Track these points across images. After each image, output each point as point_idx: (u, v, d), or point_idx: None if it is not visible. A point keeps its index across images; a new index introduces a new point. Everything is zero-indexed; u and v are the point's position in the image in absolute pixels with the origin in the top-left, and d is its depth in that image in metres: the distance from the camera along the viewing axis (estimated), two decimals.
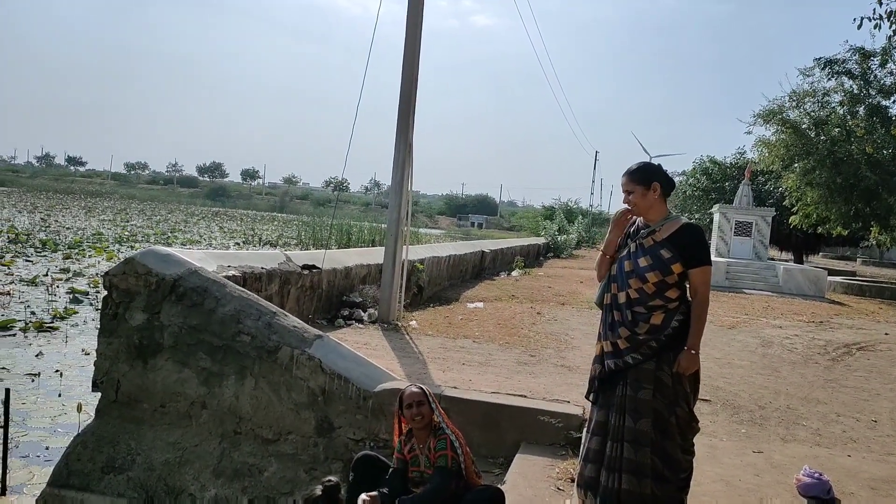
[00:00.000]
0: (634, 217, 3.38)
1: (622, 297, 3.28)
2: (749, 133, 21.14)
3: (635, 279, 3.23)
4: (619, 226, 3.37)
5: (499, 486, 3.72)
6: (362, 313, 8.29)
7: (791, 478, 4.02)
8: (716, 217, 22.53)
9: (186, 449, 5.10)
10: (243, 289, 5.49)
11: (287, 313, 5.44)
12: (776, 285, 18.78)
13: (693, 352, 3.17)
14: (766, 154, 21.41)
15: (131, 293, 5.28)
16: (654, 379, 3.18)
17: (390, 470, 3.69)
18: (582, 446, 3.37)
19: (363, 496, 3.43)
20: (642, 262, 3.22)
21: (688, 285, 3.26)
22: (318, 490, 3.10)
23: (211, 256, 6.12)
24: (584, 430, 3.39)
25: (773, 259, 25.45)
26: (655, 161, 3.73)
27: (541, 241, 30.20)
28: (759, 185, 29.27)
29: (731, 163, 33.47)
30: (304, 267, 7.62)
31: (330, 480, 3.15)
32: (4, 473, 5.12)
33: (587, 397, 3.46)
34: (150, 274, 5.27)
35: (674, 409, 3.18)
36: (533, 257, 25.34)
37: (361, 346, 6.41)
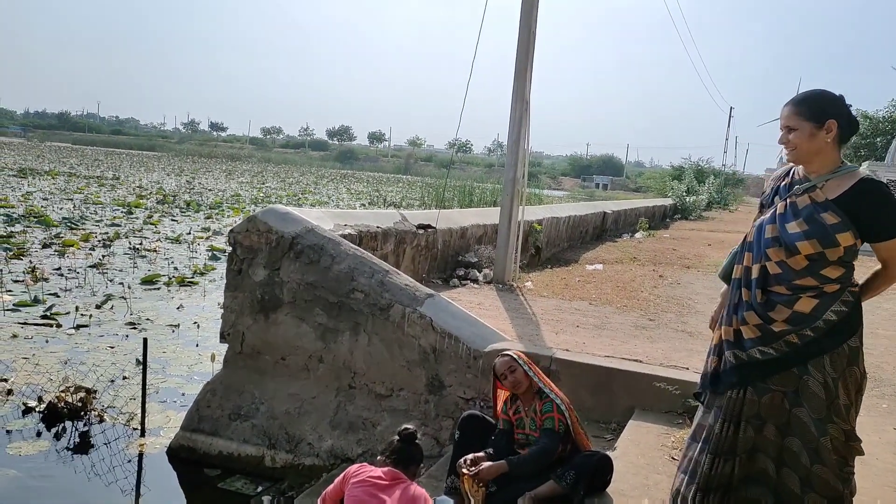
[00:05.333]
0: (790, 164, 2.60)
1: (755, 271, 2.50)
2: None
3: (777, 249, 2.44)
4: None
5: (609, 452, 3.58)
6: (477, 273, 8.26)
7: None
8: None
9: (305, 400, 5.31)
10: (357, 247, 5.57)
11: (399, 272, 5.48)
12: None
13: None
14: None
15: (254, 250, 5.51)
16: (798, 384, 2.44)
17: (496, 430, 3.63)
18: (682, 455, 2.75)
19: (468, 456, 3.40)
20: (793, 227, 2.41)
21: (855, 262, 2.47)
22: (396, 438, 3.13)
23: (328, 215, 6.26)
24: (688, 435, 2.76)
25: None
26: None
27: (668, 202, 28.96)
28: None
29: (883, 116, 30.36)
30: (419, 226, 7.66)
31: (406, 429, 3.17)
32: (143, 417, 5.55)
33: (696, 398, 2.76)
34: (271, 231, 5.46)
35: (825, 426, 2.40)
36: (658, 219, 24.36)
37: (475, 306, 6.38)
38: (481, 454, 3.46)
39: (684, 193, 31.06)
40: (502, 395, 3.70)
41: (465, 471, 3.31)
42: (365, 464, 3.09)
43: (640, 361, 4.82)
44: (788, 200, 2.47)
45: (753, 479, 2.54)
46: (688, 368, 4.72)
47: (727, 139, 60.08)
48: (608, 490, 3.29)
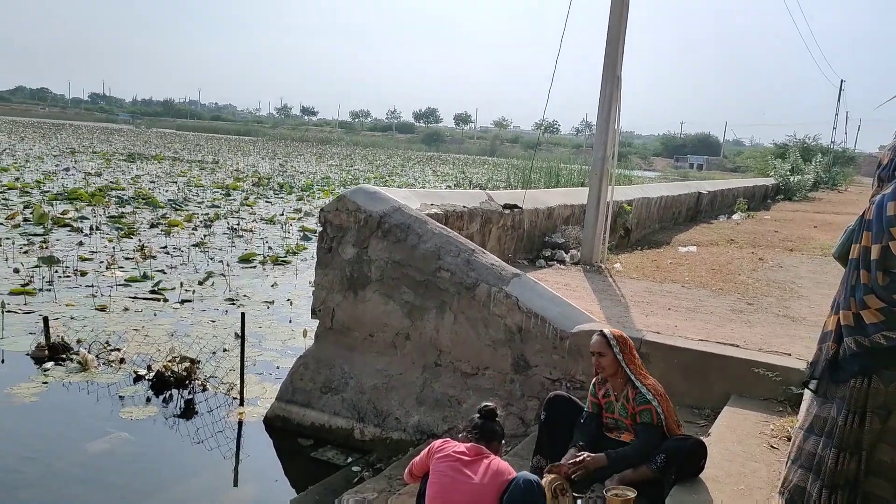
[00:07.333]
0: None
1: (875, 252, 2.31)
2: None
3: None
4: None
5: (703, 437, 3.46)
6: (564, 254, 8.14)
7: None
8: None
9: (392, 376, 5.41)
10: (443, 226, 5.59)
11: (485, 251, 5.47)
12: None
13: None
14: None
15: (343, 228, 5.63)
16: None
17: (584, 413, 3.55)
18: (792, 444, 2.64)
19: (581, 457, 3.24)
20: None
21: None
22: (477, 415, 3.14)
23: (415, 195, 6.31)
24: (799, 426, 2.64)
25: None
26: None
27: (769, 181, 27.56)
28: None
29: None
30: (506, 206, 7.61)
31: (487, 405, 3.16)
32: (242, 387, 5.81)
33: (806, 385, 2.63)
34: (360, 210, 5.56)
35: None
36: (759, 199, 23.26)
37: (561, 287, 6.30)
38: (581, 458, 3.23)
39: (788, 173, 29.44)
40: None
41: (549, 475, 3.13)
42: (449, 439, 3.11)
43: (738, 346, 4.63)
44: None
45: (873, 472, 2.39)
46: (790, 354, 4.50)
47: (837, 115, 56.07)
48: (701, 476, 3.18)
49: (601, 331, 3.46)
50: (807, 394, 3.93)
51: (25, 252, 10.55)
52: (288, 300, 9.03)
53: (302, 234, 14.68)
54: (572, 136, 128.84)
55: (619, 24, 7.61)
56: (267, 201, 20.14)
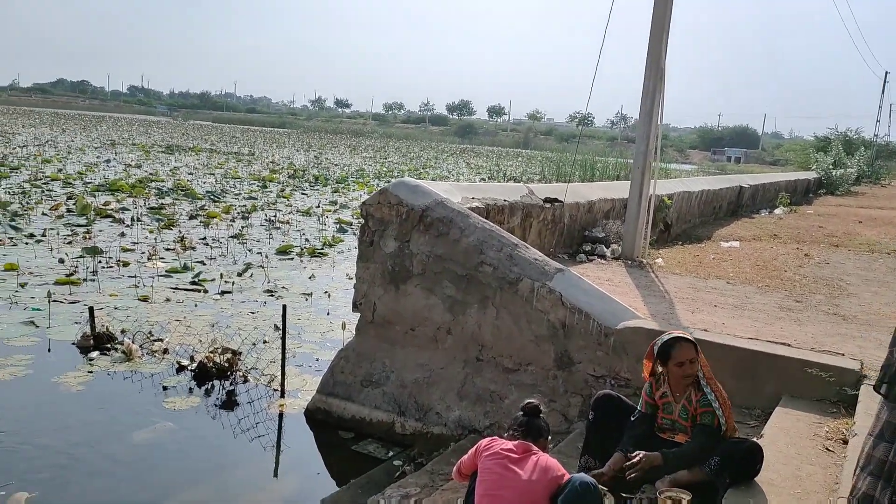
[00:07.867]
0: None
1: None
2: None
3: None
4: None
5: (755, 439, 3.37)
6: (605, 249, 8.04)
7: None
8: None
9: (433, 371, 5.39)
10: (486, 220, 5.54)
11: (528, 246, 5.41)
12: None
13: None
14: None
15: (385, 222, 5.61)
16: None
17: (637, 413, 3.46)
18: (861, 451, 2.56)
19: (637, 456, 3.14)
20: None
21: None
22: (521, 413, 3.11)
23: (456, 188, 6.27)
24: (868, 432, 2.54)
25: None
26: None
27: (811, 175, 26.93)
28: None
29: None
30: (546, 200, 7.53)
31: (529, 402, 3.12)
32: (283, 379, 5.85)
33: (877, 389, 2.54)
34: (402, 204, 5.54)
35: None
36: (801, 194, 22.74)
37: (603, 282, 6.22)
38: (636, 457, 3.12)
39: (830, 166, 28.72)
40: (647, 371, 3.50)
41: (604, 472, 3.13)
42: (496, 437, 3.08)
43: (789, 345, 4.50)
44: None
45: None
46: (843, 354, 4.37)
47: (881, 107, 54.52)
48: (756, 479, 3.10)
49: (681, 336, 3.31)
50: (864, 395, 3.81)
51: (69, 242, 10.77)
52: (325, 292, 9.07)
53: (338, 226, 14.76)
54: (607, 128, 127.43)
55: (664, 15, 7.46)
56: (303, 193, 20.28)
